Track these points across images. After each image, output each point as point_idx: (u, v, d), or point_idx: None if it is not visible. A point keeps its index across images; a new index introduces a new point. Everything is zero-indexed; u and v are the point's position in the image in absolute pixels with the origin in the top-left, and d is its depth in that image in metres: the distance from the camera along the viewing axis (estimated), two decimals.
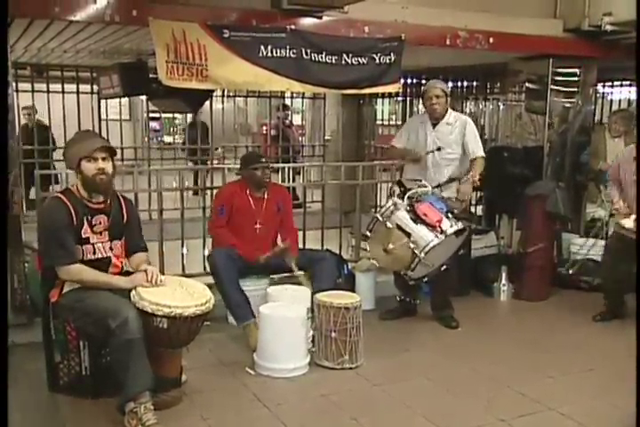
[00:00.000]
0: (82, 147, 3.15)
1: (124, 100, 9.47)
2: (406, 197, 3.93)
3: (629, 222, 4.36)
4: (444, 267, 4.07)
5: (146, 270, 3.20)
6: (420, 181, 4.20)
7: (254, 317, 3.97)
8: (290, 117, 9.78)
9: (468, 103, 7.68)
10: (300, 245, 5.05)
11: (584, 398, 3.46)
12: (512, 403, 3.37)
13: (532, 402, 3.38)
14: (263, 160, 4.37)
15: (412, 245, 3.77)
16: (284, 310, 3.75)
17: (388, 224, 3.84)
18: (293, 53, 4.32)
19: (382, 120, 9.27)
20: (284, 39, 4.28)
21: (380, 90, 4.90)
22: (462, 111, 7.35)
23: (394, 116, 9.64)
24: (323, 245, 5.32)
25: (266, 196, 4.38)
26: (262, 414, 3.21)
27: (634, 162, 4.35)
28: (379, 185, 7.02)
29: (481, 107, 7.51)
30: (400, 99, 8.57)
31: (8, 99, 3.50)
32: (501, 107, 7.01)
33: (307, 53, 4.34)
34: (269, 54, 4.25)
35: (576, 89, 5.90)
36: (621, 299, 4.70)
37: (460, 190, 4.31)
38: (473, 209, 6.63)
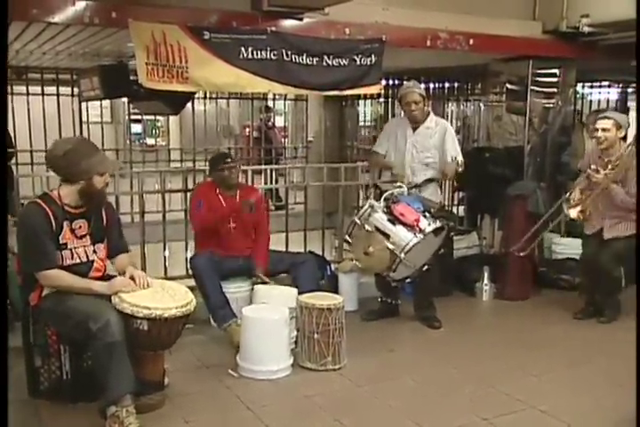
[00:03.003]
0: (102, 162, 3.20)
1: (106, 103, 9.39)
2: (382, 198, 3.94)
3: (573, 213, 4.49)
4: (426, 267, 4.09)
5: (132, 277, 3.20)
6: (396, 182, 4.21)
7: (235, 317, 3.97)
8: (272, 119, 9.78)
9: (449, 104, 7.73)
10: (283, 247, 5.06)
11: (567, 395, 3.49)
12: (495, 402, 3.39)
13: (515, 401, 3.40)
14: (229, 160, 4.39)
15: (391, 246, 3.77)
16: (266, 311, 3.75)
17: (367, 227, 3.83)
18: (274, 55, 4.31)
19: (365, 121, 9.29)
20: (265, 41, 4.26)
21: (361, 91, 4.89)
22: (443, 112, 7.41)
23: (376, 118, 9.67)
24: (305, 247, 5.32)
25: (237, 196, 4.39)
26: (245, 416, 3.21)
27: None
28: (361, 186, 7.02)
29: (462, 108, 7.55)
30: (382, 100, 8.62)
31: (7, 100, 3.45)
32: (482, 108, 7.07)
33: (287, 55, 4.32)
34: (250, 56, 4.23)
35: (556, 90, 5.96)
36: (595, 296, 4.76)
37: (445, 170, 4.37)
38: (455, 210, 6.69)
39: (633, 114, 8.23)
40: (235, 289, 4.29)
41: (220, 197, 4.35)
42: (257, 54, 4.24)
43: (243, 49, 4.19)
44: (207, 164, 4.60)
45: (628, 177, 4.39)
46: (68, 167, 3.13)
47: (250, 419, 3.18)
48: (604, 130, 4.43)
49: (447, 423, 3.16)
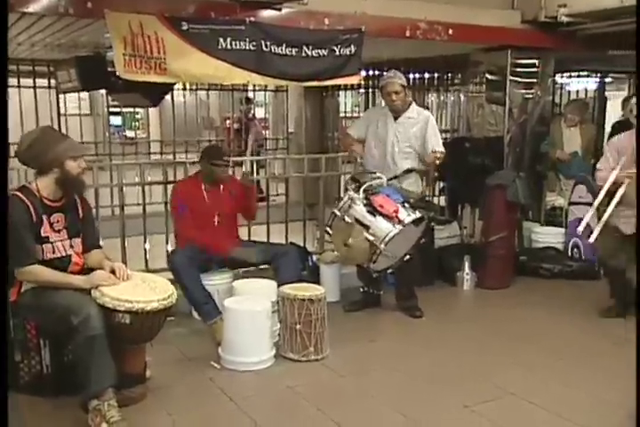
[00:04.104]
0: (70, 146, 3.17)
1: (84, 95, 9.31)
2: (362, 190, 3.94)
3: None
4: (407, 257, 4.10)
5: (113, 269, 3.18)
6: (375, 173, 4.21)
7: (220, 313, 3.96)
8: (252, 111, 9.75)
9: (430, 95, 7.74)
10: (264, 239, 5.06)
11: (548, 383, 3.51)
12: (476, 390, 3.41)
13: (496, 388, 3.42)
14: (225, 159, 4.34)
15: (371, 238, 3.78)
16: (248, 303, 3.75)
17: (347, 219, 3.84)
18: (253, 46, 4.28)
19: (345, 112, 9.29)
20: (244, 31, 4.23)
21: (340, 82, 4.89)
22: (424, 103, 7.42)
23: (357, 108, 9.69)
24: (287, 238, 5.32)
25: (221, 189, 4.37)
26: (228, 407, 3.21)
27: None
28: (342, 177, 7.03)
29: (443, 98, 7.57)
30: (363, 91, 8.62)
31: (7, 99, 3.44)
32: (463, 98, 7.08)
33: (266, 46, 4.30)
34: (229, 47, 4.20)
35: (535, 80, 5.99)
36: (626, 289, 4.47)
37: (425, 158, 4.32)
38: (435, 200, 6.72)
39: (611, 103, 8.33)
40: (217, 281, 4.28)
41: (204, 192, 4.32)
42: (235, 45, 4.22)
43: (221, 40, 4.16)
44: (200, 153, 4.52)
45: None
46: (38, 157, 3.11)
47: (233, 411, 3.18)
48: None
49: (429, 412, 3.18)
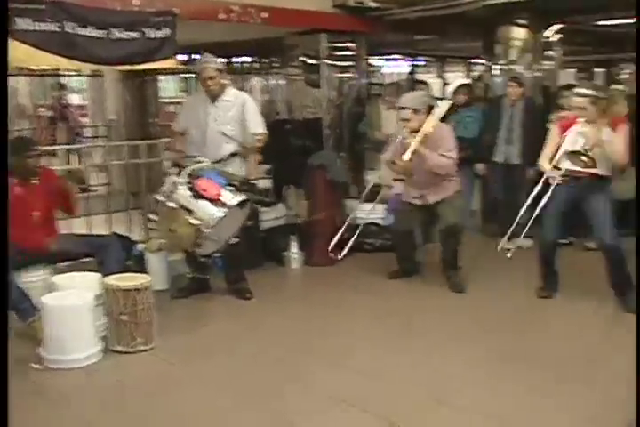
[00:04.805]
0: None
1: None
2: (184, 174, 3.91)
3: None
4: (234, 240, 4.13)
5: None
6: (196, 157, 4.19)
7: (38, 311, 3.74)
8: (67, 97, 9.24)
9: (250, 78, 7.78)
10: (86, 231, 4.85)
11: (378, 350, 3.68)
12: (307, 363, 3.52)
13: (327, 363, 3.53)
14: (36, 148, 4.06)
15: (196, 222, 3.77)
16: (67, 298, 3.59)
17: (170, 204, 3.80)
18: (57, 27, 4.06)
19: (168, 97, 9.10)
20: (45, 11, 4.00)
21: (155, 65, 4.77)
22: (243, 87, 7.46)
23: (184, 93, 9.55)
24: (111, 229, 5.13)
25: (37, 182, 4.09)
26: (57, 409, 3.07)
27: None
28: (164, 163, 6.88)
29: (263, 81, 7.65)
30: (185, 75, 8.48)
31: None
32: (283, 81, 7.20)
33: (71, 27, 4.09)
34: (29, 28, 3.95)
35: (350, 63, 6.22)
36: (413, 258, 5.06)
37: (247, 171, 4.40)
38: (261, 182, 6.79)
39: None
40: (33, 278, 4.04)
41: (18, 188, 3.99)
42: (36, 26, 3.97)
43: (19, 20, 3.89)
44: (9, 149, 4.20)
45: (438, 144, 4.47)
46: None
47: (62, 412, 3.04)
48: (405, 120, 4.48)
49: (260, 392, 3.21)
